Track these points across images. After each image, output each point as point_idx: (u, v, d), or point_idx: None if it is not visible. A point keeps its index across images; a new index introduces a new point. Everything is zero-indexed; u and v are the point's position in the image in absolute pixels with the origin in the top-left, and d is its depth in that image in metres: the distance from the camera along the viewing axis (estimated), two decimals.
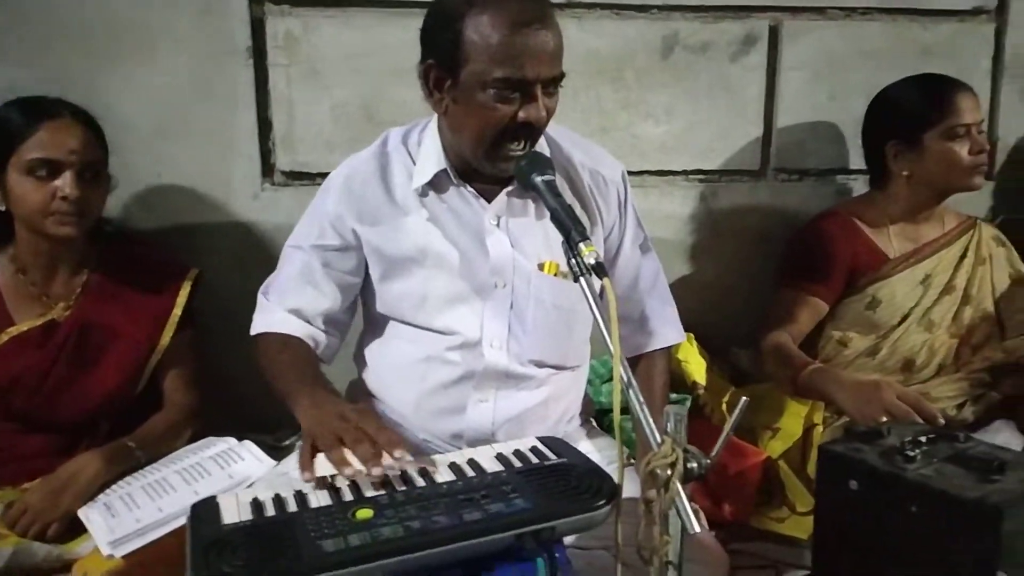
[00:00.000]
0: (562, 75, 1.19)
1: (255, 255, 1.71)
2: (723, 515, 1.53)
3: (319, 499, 0.97)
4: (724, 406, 1.71)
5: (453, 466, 1.06)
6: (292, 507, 0.95)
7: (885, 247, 1.72)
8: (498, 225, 1.30)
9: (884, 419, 1.34)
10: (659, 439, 0.90)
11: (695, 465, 0.90)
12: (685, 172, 1.90)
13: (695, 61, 1.85)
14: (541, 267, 1.30)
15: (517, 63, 1.13)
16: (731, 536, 1.50)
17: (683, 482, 0.89)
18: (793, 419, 1.63)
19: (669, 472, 0.88)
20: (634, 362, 1.43)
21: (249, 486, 1.23)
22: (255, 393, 1.33)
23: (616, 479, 0.94)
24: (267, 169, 1.74)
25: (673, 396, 1.72)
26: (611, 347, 0.93)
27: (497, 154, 1.20)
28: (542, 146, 1.30)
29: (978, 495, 0.96)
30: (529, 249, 1.30)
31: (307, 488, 1.00)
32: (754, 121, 1.90)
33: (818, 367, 1.56)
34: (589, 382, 1.53)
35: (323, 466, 1.03)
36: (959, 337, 1.68)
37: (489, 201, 1.29)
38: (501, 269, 1.29)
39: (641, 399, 0.94)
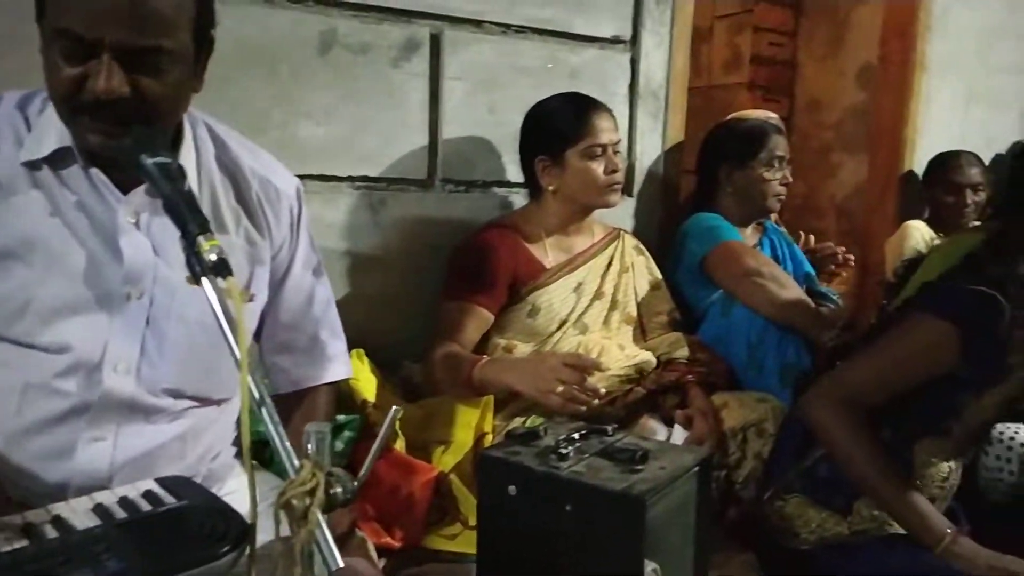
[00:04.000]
0: (158, 48, 0.96)
1: None
2: (393, 541, 1.43)
3: None
4: (397, 424, 1.62)
5: (28, 528, 0.81)
6: None
7: (542, 257, 1.77)
8: (137, 225, 1.06)
9: (560, 387, 1.38)
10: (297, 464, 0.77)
11: (340, 490, 0.78)
12: (350, 178, 1.80)
13: (356, 62, 1.76)
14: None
15: (78, 15, 0.92)
16: (402, 563, 1.41)
17: (326, 510, 0.77)
18: (464, 430, 1.60)
19: (308, 501, 0.76)
20: (298, 397, 1.28)
21: None
22: None
23: (251, 517, 0.79)
24: None
25: (341, 418, 1.59)
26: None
27: (76, 131, 0.98)
28: (204, 140, 1.12)
29: (623, 487, 0.97)
30: (176, 257, 1.08)
31: None
32: (420, 129, 1.87)
33: (487, 360, 1.56)
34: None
35: None
36: (609, 338, 1.78)
37: (126, 193, 1.05)
38: (137, 278, 1.06)
39: (276, 419, 0.81)
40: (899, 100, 2.86)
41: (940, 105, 2.86)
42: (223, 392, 1.17)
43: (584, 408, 1.44)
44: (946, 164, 2.70)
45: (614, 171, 1.73)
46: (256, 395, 0.81)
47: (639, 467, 1.02)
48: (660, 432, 1.62)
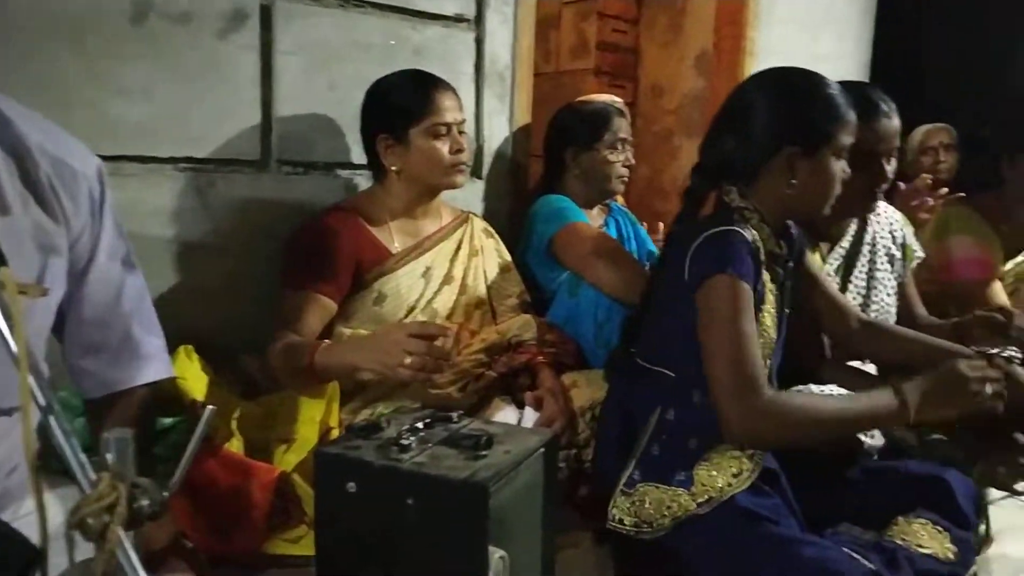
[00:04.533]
0: None
1: None
2: (230, 548, 1.33)
3: None
4: (234, 424, 1.51)
5: None
6: None
7: (388, 242, 1.70)
8: None
9: (408, 359, 1.29)
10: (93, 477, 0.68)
11: (146, 503, 0.70)
12: (174, 160, 1.65)
13: (175, 33, 1.61)
14: None
15: None
16: (243, 571, 1.32)
17: (131, 526, 0.68)
18: (307, 426, 1.51)
19: (107, 518, 0.67)
20: (109, 401, 1.15)
21: None
22: None
23: (41, 541, 0.70)
24: None
25: (167, 421, 1.46)
26: None
27: None
28: None
29: (466, 474, 0.94)
30: None
31: None
32: (251, 107, 1.74)
33: (327, 344, 1.47)
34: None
35: None
36: (459, 324, 1.75)
37: None
38: None
39: (67, 427, 0.71)
40: (732, 86, 2.97)
41: None
42: (9, 400, 1.03)
43: (437, 376, 1.38)
44: None
45: (459, 151, 1.68)
46: (42, 400, 0.71)
47: (483, 453, 1.00)
48: (512, 415, 1.60)
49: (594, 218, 2.15)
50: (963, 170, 3.08)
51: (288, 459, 1.48)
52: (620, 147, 2.11)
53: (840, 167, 1.36)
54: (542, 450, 1.07)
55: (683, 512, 1.25)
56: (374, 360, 1.36)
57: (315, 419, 1.52)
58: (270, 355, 1.52)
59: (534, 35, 2.26)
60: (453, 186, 1.72)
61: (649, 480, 1.30)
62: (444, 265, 1.76)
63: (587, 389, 1.67)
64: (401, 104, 1.66)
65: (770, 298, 1.37)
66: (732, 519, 1.24)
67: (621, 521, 1.29)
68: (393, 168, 1.68)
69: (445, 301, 1.74)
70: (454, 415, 1.11)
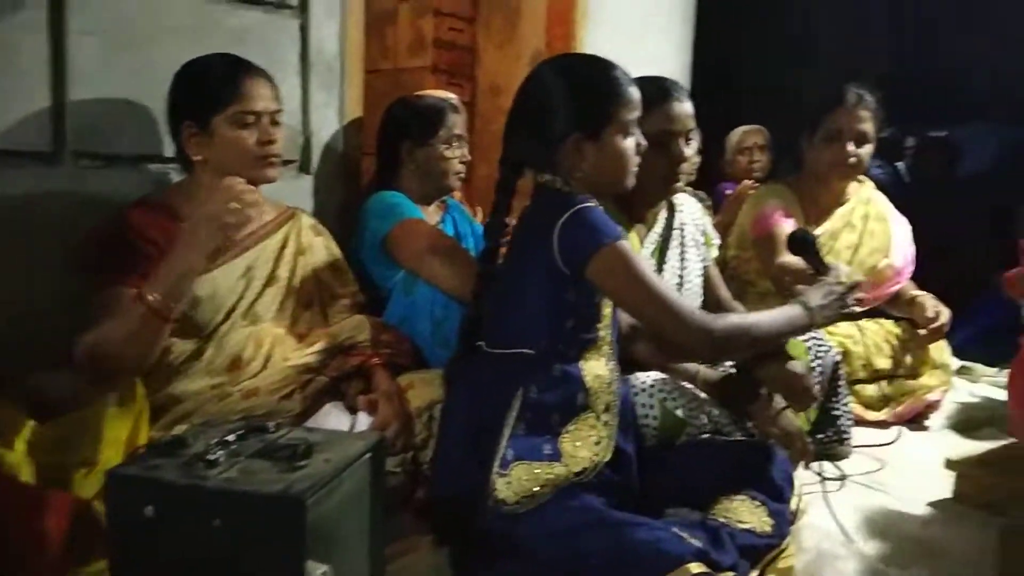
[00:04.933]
0: None
1: None
2: None
3: None
4: (21, 448, 1.34)
5: None
6: None
7: None
8: None
9: (229, 216, 1.36)
10: None
11: None
12: None
13: None
14: None
15: None
16: None
17: None
18: (112, 447, 1.36)
19: None
20: None
21: None
22: None
23: None
24: None
25: None
26: None
27: None
28: None
29: (280, 488, 0.86)
30: None
31: None
32: (38, 93, 1.55)
33: (150, 280, 1.39)
34: None
35: None
36: (285, 327, 1.65)
37: None
38: None
39: None
40: None
41: None
42: None
43: (252, 209, 1.44)
44: None
45: (269, 142, 1.57)
46: None
47: (301, 463, 0.92)
48: (344, 421, 1.53)
49: (431, 215, 2.11)
50: (775, 169, 3.32)
51: (89, 485, 1.32)
52: (456, 143, 2.08)
53: (629, 143, 1.41)
54: (368, 456, 1.01)
55: (564, 481, 1.30)
56: (200, 239, 1.37)
57: (120, 439, 1.37)
58: (90, 347, 1.36)
59: (366, 28, 2.18)
60: (264, 180, 1.60)
61: (522, 459, 1.31)
62: (267, 265, 1.65)
63: (424, 389, 1.63)
64: (204, 89, 1.54)
65: None
66: (567, 504, 1.26)
67: (502, 501, 1.28)
68: (197, 158, 1.55)
69: (269, 303, 1.63)
70: (271, 425, 1.02)
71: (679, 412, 1.57)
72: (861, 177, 2.47)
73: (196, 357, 1.52)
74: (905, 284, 2.47)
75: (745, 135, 3.46)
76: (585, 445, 1.33)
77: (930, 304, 2.39)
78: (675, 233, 1.89)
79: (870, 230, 2.44)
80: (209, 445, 0.94)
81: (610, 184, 1.43)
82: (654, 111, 1.69)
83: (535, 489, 1.28)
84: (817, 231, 2.31)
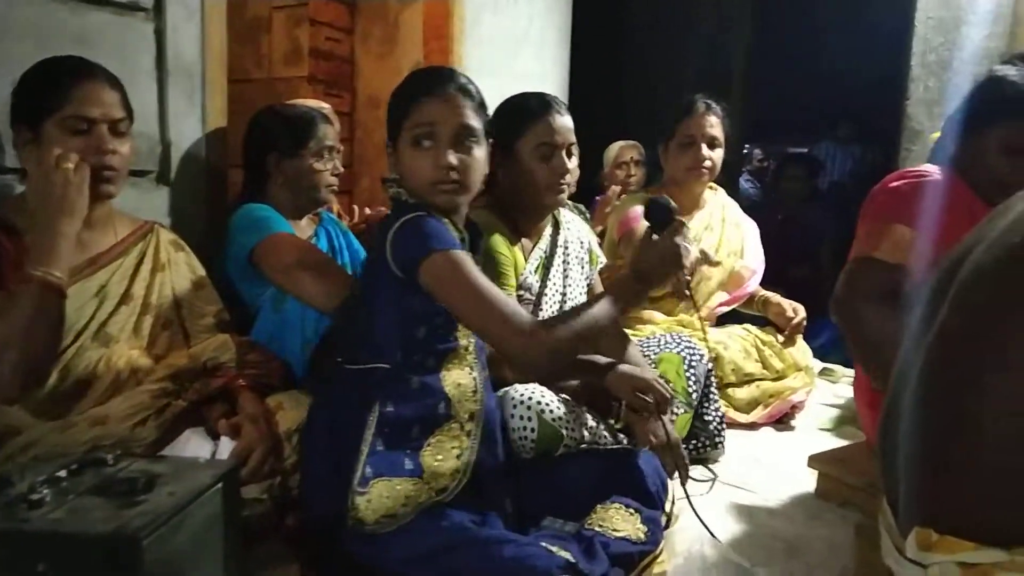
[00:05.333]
0: None
1: None
2: None
3: None
4: None
5: None
6: None
7: None
8: None
9: (69, 164, 1.33)
10: None
11: None
12: None
13: None
14: None
15: None
16: None
17: None
18: None
19: None
20: None
21: None
22: None
23: None
24: None
25: None
26: None
27: None
28: None
29: (113, 527, 0.79)
30: None
31: None
32: None
33: (28, 256, 1.33)
34: None
35: None
36: (140, 348, 1.54)
37: None
38: None
39: None
40: None
41: None
42: None
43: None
44: None
45: (104, 152, 1.46)
46: None
47: (140, 499, 0.85)
48: (205, 448, 1.43)
49: (303, 229, 2.04)
50: (650, 181, 3.43)
51: None
52: (327, 155, 2.02)
53: (418, 152, 1.38)
54: (219, 485, 0.94)
55: (427, 501, 1.27)
56: (55, 196, 1.34)
57: None
58: None
59: (239, 36, 2.09)
60: (103, 196, 1.49)
61: (383, 475, 1.28)
62: (122, 283, 1.54)
63: (294, 411, 1.55)
64: (34, 91, 1.43)
65: None
66: (434, 524, 1.24)
67: (361, 521, 1.24)
68: (29, 168, 1.43)
69: (122, 323, 1.52)
70: (109, 457, 0.94)
71: (556, 424, 1.57)
72: (713, 184, 2.61)
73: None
74: (756, 287, 2.64)
75: (622, 150, 3.56)
76: (447, 458, 1.31)
77: (786, 303, 2.58)
78: (559, 251, 1.91)
79: (727, 234, 2.60)
80: (35, 483, 0.85)
81: (418, 195, 1.39)
82: (536, 124, 1.72)
83: (398, 509, 1.25)
84: None
